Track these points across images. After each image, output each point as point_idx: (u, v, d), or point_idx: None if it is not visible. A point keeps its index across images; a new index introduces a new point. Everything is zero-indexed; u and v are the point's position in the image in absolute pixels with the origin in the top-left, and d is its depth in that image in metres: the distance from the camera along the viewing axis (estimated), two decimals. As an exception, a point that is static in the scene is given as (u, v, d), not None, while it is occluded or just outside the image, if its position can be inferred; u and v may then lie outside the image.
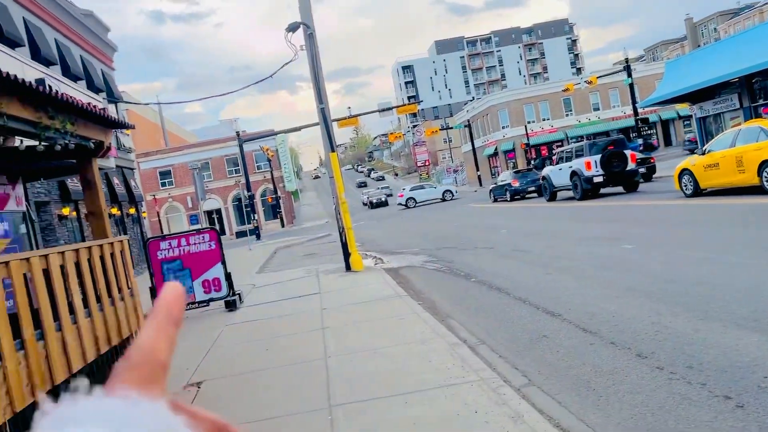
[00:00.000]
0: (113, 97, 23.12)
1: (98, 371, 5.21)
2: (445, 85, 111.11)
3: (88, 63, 21.34)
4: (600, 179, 19.38)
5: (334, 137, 12.66)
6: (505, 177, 30.25)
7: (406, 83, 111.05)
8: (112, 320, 5.64)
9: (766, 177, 12.21)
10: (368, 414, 4.15)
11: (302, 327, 7.34)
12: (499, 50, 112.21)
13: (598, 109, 54.48)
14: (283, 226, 49.65)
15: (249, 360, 6.20)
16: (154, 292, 9.37)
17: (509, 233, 14.90)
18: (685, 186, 14.81)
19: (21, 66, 12.84)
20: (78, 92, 15.71)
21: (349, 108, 33.70)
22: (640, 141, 31.37)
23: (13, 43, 14.76)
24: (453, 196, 42.40)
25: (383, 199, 53.23)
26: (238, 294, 9.90)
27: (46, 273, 4.53)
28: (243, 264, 17.09)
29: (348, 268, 11.82)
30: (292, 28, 11.99)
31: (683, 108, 43.55)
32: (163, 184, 49.97)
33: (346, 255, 11.89)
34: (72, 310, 4.82)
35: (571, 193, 21.49)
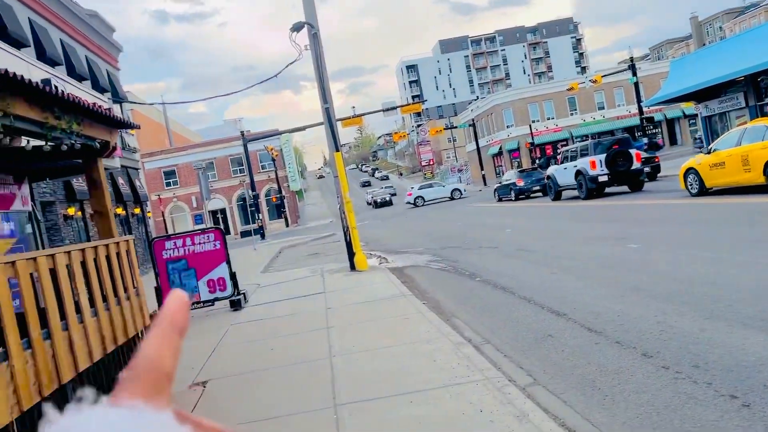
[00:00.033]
0: (118, 97, 23.21)
1: (105, 370, 5.23)
2: (450, 85, 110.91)
3: (93, 63, 21.42)
4: (605, 178, 19.30)
5: (339, 137, 12.67)
6: (510, 176, 30.17)
7: (411, 83, 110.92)
8: (118, 319, 5.66)
9: (772, 176, 12.15)
10: (373, 413, 4.15)
11: (307, 326, 7.35)
12: (504, 49, 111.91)
13: (603, 108, 54.34)
14: (287, 225, 49.69)
15: (254, 359, 6.21)
16: (159, 292, 9.40)
17: (514, 233, 14.89)
18: (691, 185, 14.76)
19: (27, 66, 12.88)
20: (83, 92, 15.76)
21: (354, 107, 33.92)
22: (645, 140, 31.21)
23: (18, 44, 14.83)
24: (462, 194, 42.21)
25: (387, 199, 53.28)
26: (243, 293, 9.92)
27: (53, 272, 4.55)
28: (248, 263, 17.12)
29: (352, 267, 11.83)
30: (297, 27, 12.01)
31: (689, 107, 43.39)
32: (168, 184, 50.06)
33: (351, 254, 11.90)
34: (78, 310, 4.84)
35: (575, 193, 21.43)
